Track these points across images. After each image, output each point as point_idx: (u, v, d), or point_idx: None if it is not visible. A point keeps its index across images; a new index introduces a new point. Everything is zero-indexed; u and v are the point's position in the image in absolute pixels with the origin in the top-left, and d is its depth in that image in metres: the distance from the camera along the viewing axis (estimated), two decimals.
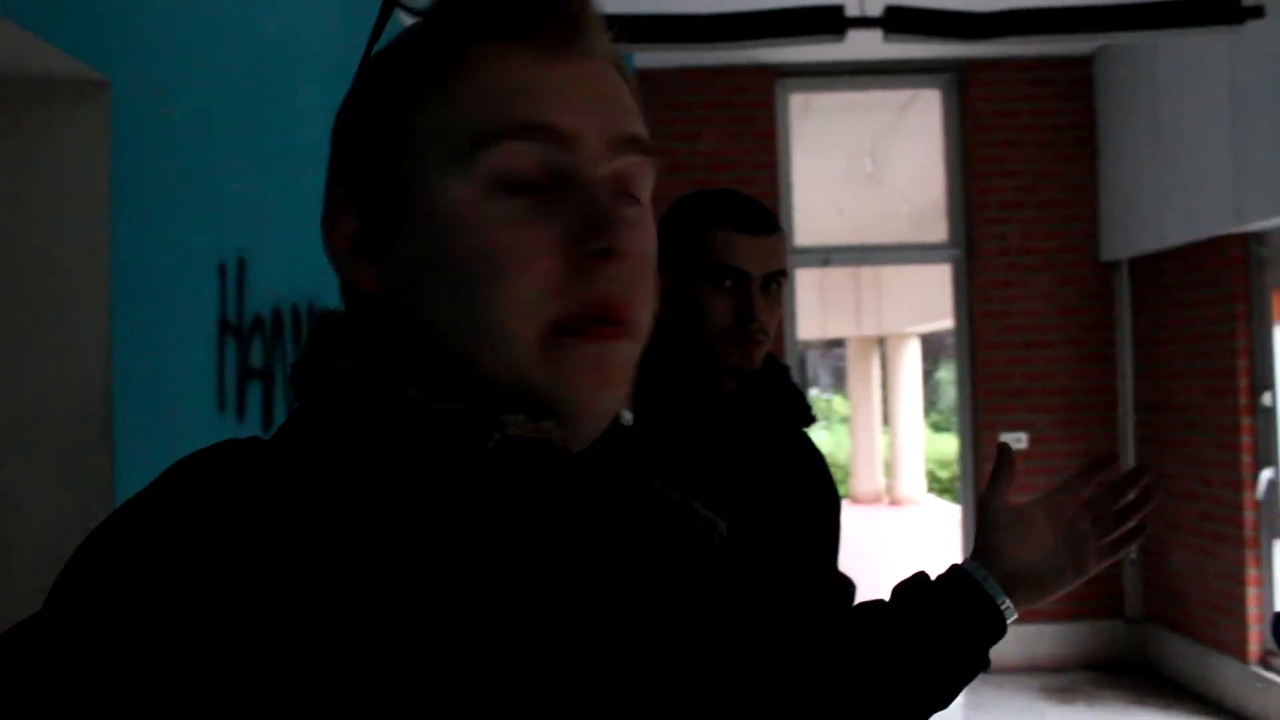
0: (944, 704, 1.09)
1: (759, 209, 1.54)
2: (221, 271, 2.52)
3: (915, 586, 1.13)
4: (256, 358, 2.73)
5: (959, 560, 1.14)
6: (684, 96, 5.73)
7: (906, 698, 1.08)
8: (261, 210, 2.77)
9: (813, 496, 1.61)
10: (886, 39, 3.62)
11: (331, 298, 0.66)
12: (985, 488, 1.15)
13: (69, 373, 1.93)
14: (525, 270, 0.58)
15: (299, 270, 3.00)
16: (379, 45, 0.68)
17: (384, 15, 0.67)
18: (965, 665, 1.09)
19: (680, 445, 1.40)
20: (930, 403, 16.94)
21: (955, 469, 6.11)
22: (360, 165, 0.63)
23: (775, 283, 1.52)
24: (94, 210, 1.94)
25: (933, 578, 1.13)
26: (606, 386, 0.60)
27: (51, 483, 1.89)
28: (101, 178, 1.95)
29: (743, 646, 0.62)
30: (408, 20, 0.68)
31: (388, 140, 0.62)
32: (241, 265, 2.63)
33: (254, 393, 2.72)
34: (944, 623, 1.08)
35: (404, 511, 0.53)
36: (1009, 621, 1.09)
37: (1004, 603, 1.08)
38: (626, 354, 0.61)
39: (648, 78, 5.63)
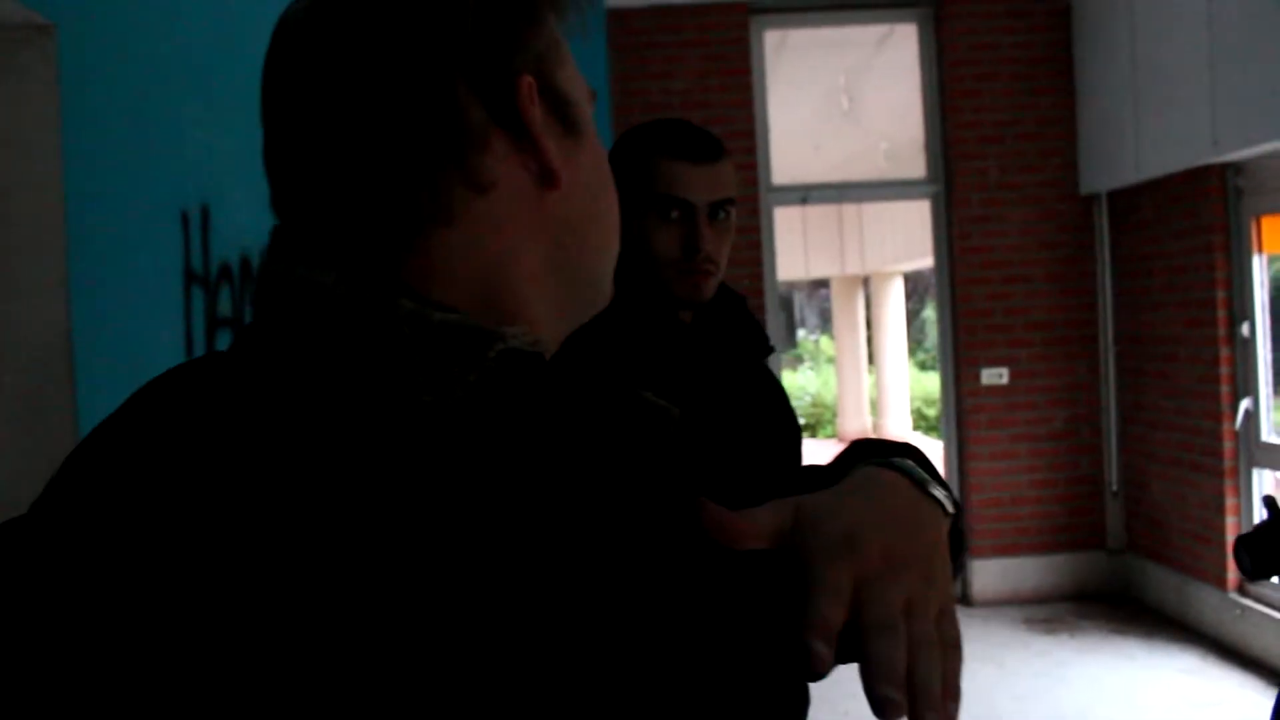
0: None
1: (703, 136, 1.51)
2: (184, 219, 2.49)
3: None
4: (225, 306, 2.71)
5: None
6: (657, 36, 5.65)
7: None
8: (224, 157, 2.74)
9: (773, 427, 1.61)
10: None
11: None
12: None
13: (26, 321, 1.91)
14: None
15: (266, 217, 2.97)
16: None
17: None
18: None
19: (638, 380, 1.39)
20: (916, 341, 16.97)
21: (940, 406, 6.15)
22: (546, 69, 0.65)
23: (723, 211, 1.49)
24: (45, 157, 1.91)
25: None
26: None
27: (11, 431, 1.88)
28: (51, 124, 1.91)
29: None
30: None
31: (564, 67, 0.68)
32: (205, 212, 2.61)
33: (224, 341, 2.70)
34: None
35: (406, 419, 0.54)
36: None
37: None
38: None
39: (620, 18, 5.56)
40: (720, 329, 1.57)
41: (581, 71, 0.69)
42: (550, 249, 0.66)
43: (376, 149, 0.60)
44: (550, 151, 0.64)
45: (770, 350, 1.62)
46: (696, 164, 1.47)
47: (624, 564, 0.53)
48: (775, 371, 5.50)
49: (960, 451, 5.92)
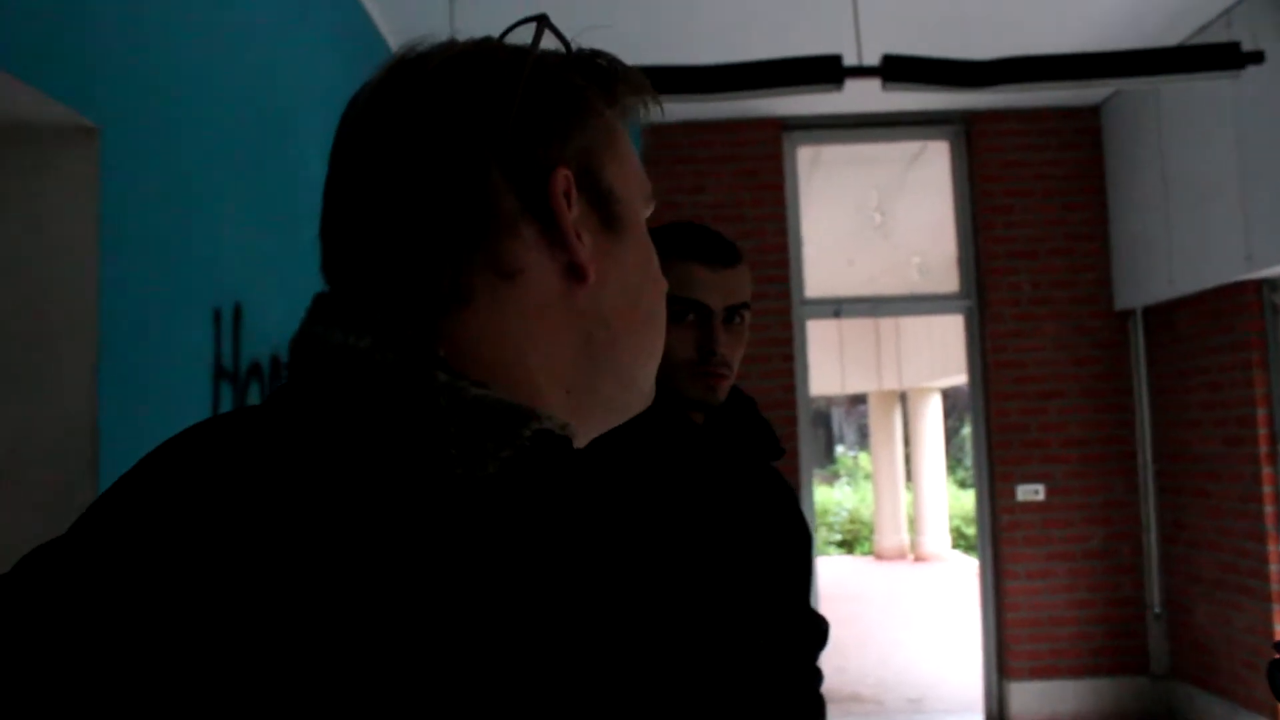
0: None
1: (720, 241, 1.53)
2: (216, 317, 2.54)
3: None
4: (254, 402, 2.74)
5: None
6: (691, 150, 5.78)
7: None
8: (260, 257, 2.81)
9: (782, 532, 1.59)
10: (885, 88, 3.65)
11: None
12: None
13: (54, 413, 1.94)
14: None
15: (299, 316, 3.02)
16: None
17: (537, 36, 0.69)
18: None
19: (649, 481, 1.38)
20: (955, 459, 16.78)
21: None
22: (591, 163, 0.66)
23: (738, 316, 1.50)
24: (82, 255, 1.97)
25: None
26: None
27: (35, 519, 1.90)
28: (90, 223, 1.98)
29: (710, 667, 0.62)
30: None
31: (610, 155, 0.68)
32: (238, 311, 2.66)
33: None
34: None
35: (438, 490, 0.54)
36: None
37: None
38: None
39: (654, 132, 5.69)
40: (731, 431, 1.57)
41: None
42: (579, 343, 0.66)
43: (411, 225, 0.62)
44: (577, 246, 0.64)
45: (781, 453, 1.61)
46: (713, 268, 1.49)
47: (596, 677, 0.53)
48: (796, 479, 5.46)
49: (996, 569, 5.79)
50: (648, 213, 0.72)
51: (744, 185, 5.80)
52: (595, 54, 0.70)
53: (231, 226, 2.63)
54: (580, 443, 0.67)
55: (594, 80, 0.68)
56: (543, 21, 0.69)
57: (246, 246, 2.72)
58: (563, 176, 0.64)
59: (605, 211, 0.67)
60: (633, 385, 0.71)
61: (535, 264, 0.63)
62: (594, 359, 0.67)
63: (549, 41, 0.69)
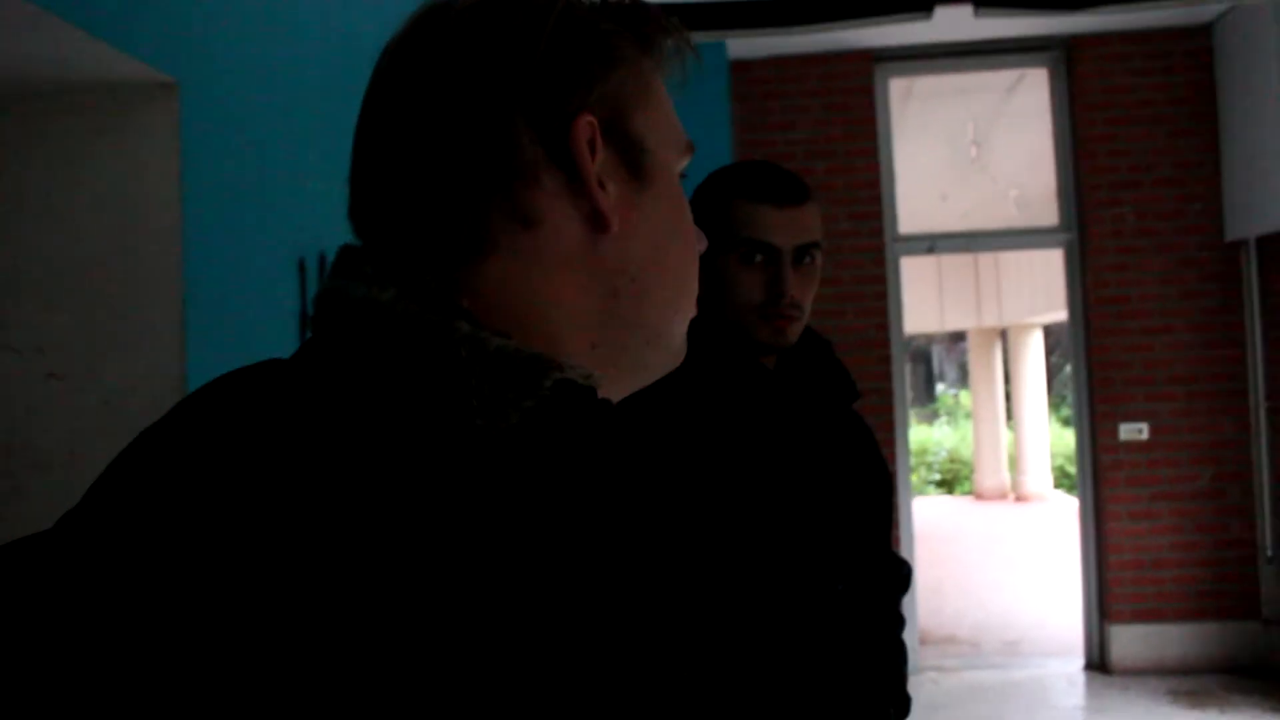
0: None
1: (789, 178, 1.48)
2: (301, 267, 2.58)
3: None
4: None
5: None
6: (780, 85, 5.65)
7: None
8: (343, 206, 2.83)
9: (860, 476, 1.56)
10: (978, 14, 3.51)
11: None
12: None
13: (144, 364, 2.00)
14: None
15: None
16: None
17: None
18: None
19: (720, 425, 1.37)
20: (1060, 396, 16.39)
21: None
22: (619, 111, 0.64)
23: (809, 255, 1.46)
24: (165, 208, 2.01)
25: None
26: None
27: None
28: (172, 176, 2.02)
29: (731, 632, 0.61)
30: None
31: (642, 104, 0.66)
32: (323, 260, 2.70)
33: None
34: None
35: (458, 440, 0.54)
36: None
37: None
38: None
39: (743, 68, 5.58)
40: (804, 374, 1.54)
41: (702, 123, 0.68)
42: (603, 296, 0.64)
43: (432, 173, 0.61)
44: (599, 194, 0.62)
45: (856, 396, 1.58)
46: (781, 207, 1.44)
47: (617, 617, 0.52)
48: (890, 418, 5.37)
49: (1097, 510, 5.65)
50: (683, 165, 0.70)
51: (835, 120, 5.66)
52: (632, 1, 0.67)
53: (313, 176, 2.65)
54: (608, 392, 0.66)
55: (627, 27, 0.66)
56: None
57: (329, 195, 2.73)
58: (586, 124, 0.62)
59: (633, 161, 0.65)
60: (660, 342, 0.69)
61: (558, 212, 0.62)
62: (620, 313, 0.65)
63: None
